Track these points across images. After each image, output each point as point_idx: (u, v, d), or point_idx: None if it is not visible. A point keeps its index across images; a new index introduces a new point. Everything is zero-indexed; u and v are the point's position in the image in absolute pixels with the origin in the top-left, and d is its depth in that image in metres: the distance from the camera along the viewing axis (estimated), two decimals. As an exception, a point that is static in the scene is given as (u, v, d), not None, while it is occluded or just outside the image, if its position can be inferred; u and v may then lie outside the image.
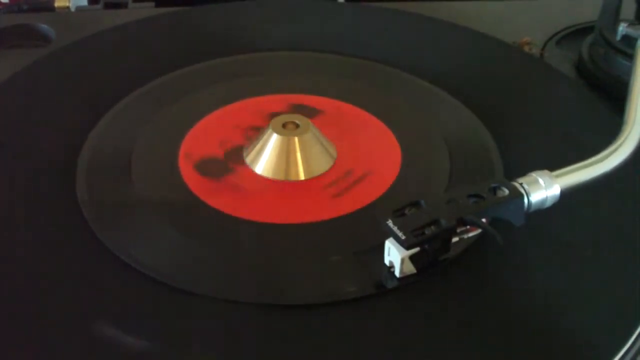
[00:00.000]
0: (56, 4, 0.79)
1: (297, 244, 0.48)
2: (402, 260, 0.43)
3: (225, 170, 0.54)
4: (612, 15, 0.67)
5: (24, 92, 0.62)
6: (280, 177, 0.53)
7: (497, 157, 0.55)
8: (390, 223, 0.42)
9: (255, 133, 0.55)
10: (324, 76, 0.65)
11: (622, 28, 0.65)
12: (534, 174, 0.45)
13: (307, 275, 0.46)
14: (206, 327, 0.42)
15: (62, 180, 0.52)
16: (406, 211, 0.43)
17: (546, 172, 0.45)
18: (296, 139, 0.53)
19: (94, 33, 0.71)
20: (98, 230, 0.47)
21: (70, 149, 0.55)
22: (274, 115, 0.56)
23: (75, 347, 0.41)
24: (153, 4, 0.80)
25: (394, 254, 0.43)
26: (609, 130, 0.51)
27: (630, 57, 0.61)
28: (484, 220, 0.43)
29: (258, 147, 0.54)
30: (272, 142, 0.53)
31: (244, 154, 0.54)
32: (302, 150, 0.53)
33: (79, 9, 0.80)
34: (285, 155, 0.53)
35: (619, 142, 0.49)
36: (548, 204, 0.45)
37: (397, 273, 0.43)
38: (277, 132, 0.53)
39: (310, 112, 0.58)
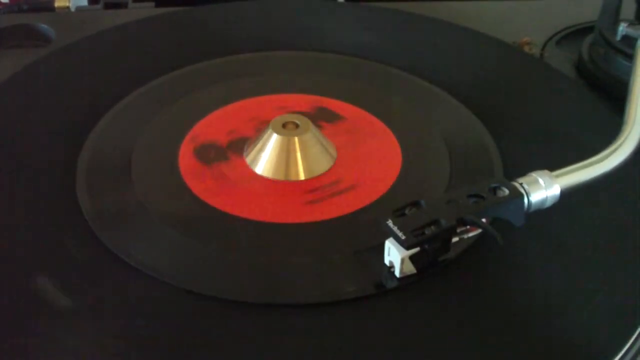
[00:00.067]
0: (56, 4, 0.79)
1: (297, 244, 0.48)
2: (402, 260, 0.43)
3: (221, 157, 0.54)
4: (612, 15, 0.67)
5: (24, 92, 0.62)
6: (280, 177, 0.53)
7: (497, 157, 0.55)
8: (390, 223, 0.42)
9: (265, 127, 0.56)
10: (345, 79, 0.65)
11: (622, 28, 0.65)
12: (534, 174, 0.45)
13: (307, 275, 0.46)
14: (206, 327, 0.42)
15: (62, 180, 0.52)
16: (406, 211, 0.43)
17: (546, 172, 0.45)
18: (296, 139, 0.53)
19: (94, 33, 0.71)
20: (98, 230, 0.47)
21: (70, 149, 0.55)
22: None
23: (75, 347, 0.41)
24: (153, 4, 0.80)
25: (394, 254, 0.43)
26: (609, 130, 0.51)
27: (630, 57, 0.61)
28: (484, 220, 0.43)
29: (258, 147, 0.54)
30: (272, 142, 0.53)
31: (245, 154, 0.54)
32: (302, 150, 0.53)
33: (79, 9, 0.80)
34: (285, 155, 0.53)
35: (619, 142, 0.49)
36: (548, 204, 0.45)
37: (397, 273, 0.44)
38: (277, 132, 0.53)
39: (331, 117, 0.59)
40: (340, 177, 0.53)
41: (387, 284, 0.44)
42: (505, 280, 0.46)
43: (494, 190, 0.44)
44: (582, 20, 0.75)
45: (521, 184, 0.44)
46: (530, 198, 0.44)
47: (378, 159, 0.55)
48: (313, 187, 0.52)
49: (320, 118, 0.58)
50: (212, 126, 0.58)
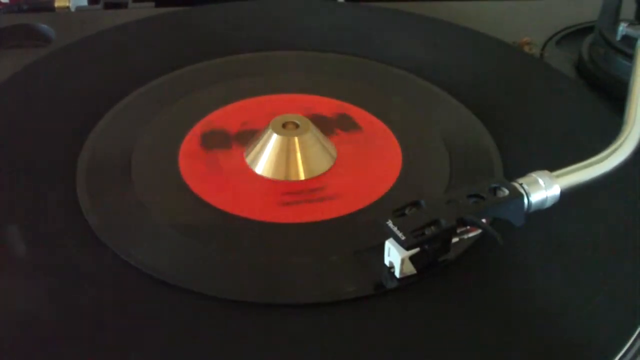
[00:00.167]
0: (56, 4, 0.79)
1: (297, 244, 0.48)
2: (402, 261, 0.43)
3: (223, 145, 0.55)
4: (612, 15, 0.67)
5: (24, 92, 0.62)
6: (281, 177, 0.53)
7: (497, 157, 0.55)
8: (390, 223, 0.42)
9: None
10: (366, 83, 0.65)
11: (622, 28, 0.65)
12: (533, 174, 0.45)
13: (307, 275, 0.46)
14: (206, 327, 0.42)
15: (62, 180, 0.52)
16: (406, 211, 0.43)
17: (546, 172, 0.45)
18: (296, 139, 0.53)
19: (94, 33, 0.71)
20: (98, 230, 0.47)
21: (70, 149, 0.55)
22: (316, 116, 0.57)
23: (74, 347, 0.41)
24: (153, 4, 0.80)
25: (394, 255, 0.43)
26: (609, 130, 0.51)
27: (630, 57, 0.61)
28: (484, 220, 0.43)
29: (258, 147, 0.54)
30: (272, 142, 0.53)
31: (245, 154, 0.54)
32: (302, 150, 0.53)
33: (79, 9, 0.80)
34: (285, 155, 0.53)
35: (619, 142, 0.49)
36: (548, 204, 0.45)
37: (397, 273, 0.43)
38: (277, 132, 0.53)
39: (351, 126, 0.58)
40: (326, 184, 0.52)
41: (387, 284, 0.44)
42: (505, 281, 0.46)
43: (494, 190, 0.44)
44: (582, 20, 0.75)
45: (521, 184, 0.44)
46: (530, 198, 0.44)
47: (378, 159, 0.55)
48: (296, 190, 0.52)
49: (339, 125, 0.58)
50: (229, 115, 0.59)
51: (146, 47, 0.69)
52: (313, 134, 0.54)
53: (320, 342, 0.41)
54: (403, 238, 0.41)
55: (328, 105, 0.60)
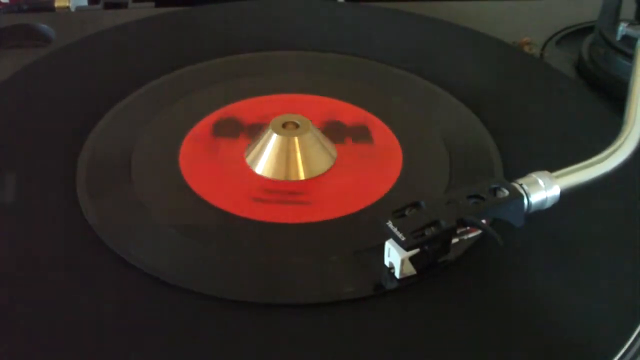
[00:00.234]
0: (56, 4, 0.79)
1: (297, 244, 0.48)
2: (402, 262, 0.43)
3: (232, 134, 0.56)
4: (612, 15, 0.66)
5: (24, 92, 0.62)
6: (280, 177, 0.53)
7: (497, 157, 0.55)
8: (390, 224, 0.42)
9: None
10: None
11: (622, 28, 0.65)
12: (533, 175, 0.45)
13: (307, 275, 0.46)
14: (206, 327, 0.42)
15: (62, 180, 0.52)
16: (406, 212, 0.43)
17: (546, 172, 0.45)
18: (296, 139, 0.53)
19: (94, 33, 0.71)
20: (98, 230, 0.47)
21: (70, 149, 0.55)
22: (335, 124, 0.58)
23: (74, 347, 0.41)
24: (153, 4, 0.80)
25: (394, 255, 0.43)
26: (609, 130, 0.51)
27: (630, 57, 0.61)
28: (484, 221, 0.43)
29: (258, 147, 0.54)
30: (272, 142, 0.53)
31: (245, 154, 0.54)
32: (302, 150, 0.53)
33: (79, 9, 0.80)
34: (285, 155, 0.53)
35: (619, 142, 0.49)
36: (548, 204, 0.45)
37: (397, 274, 0.44)
38: (277, 132, 0.53)
39: (363, 138, 0.57)
40: (307, 190, 0.52)
41: (387, 284, 0.44)
42: (505, 281, 0.46)
43: (494, 191, 0.44)
44: (582, 20, 0.75)
45: (521, 185, 0.44)
46: (530, 199, 0.44)
47: (378, 159, 0.55)
48: (274, 189, 0.52)
49: (352, 135, 0.57)
50: (253, 108, 0.60)
51: (146, 47, 0.69)
52: (313, 134, 0.54)
53: (320, 342, 0.41)
54: (403, 239, 0.41)
55: (352, 114, 0.60)
